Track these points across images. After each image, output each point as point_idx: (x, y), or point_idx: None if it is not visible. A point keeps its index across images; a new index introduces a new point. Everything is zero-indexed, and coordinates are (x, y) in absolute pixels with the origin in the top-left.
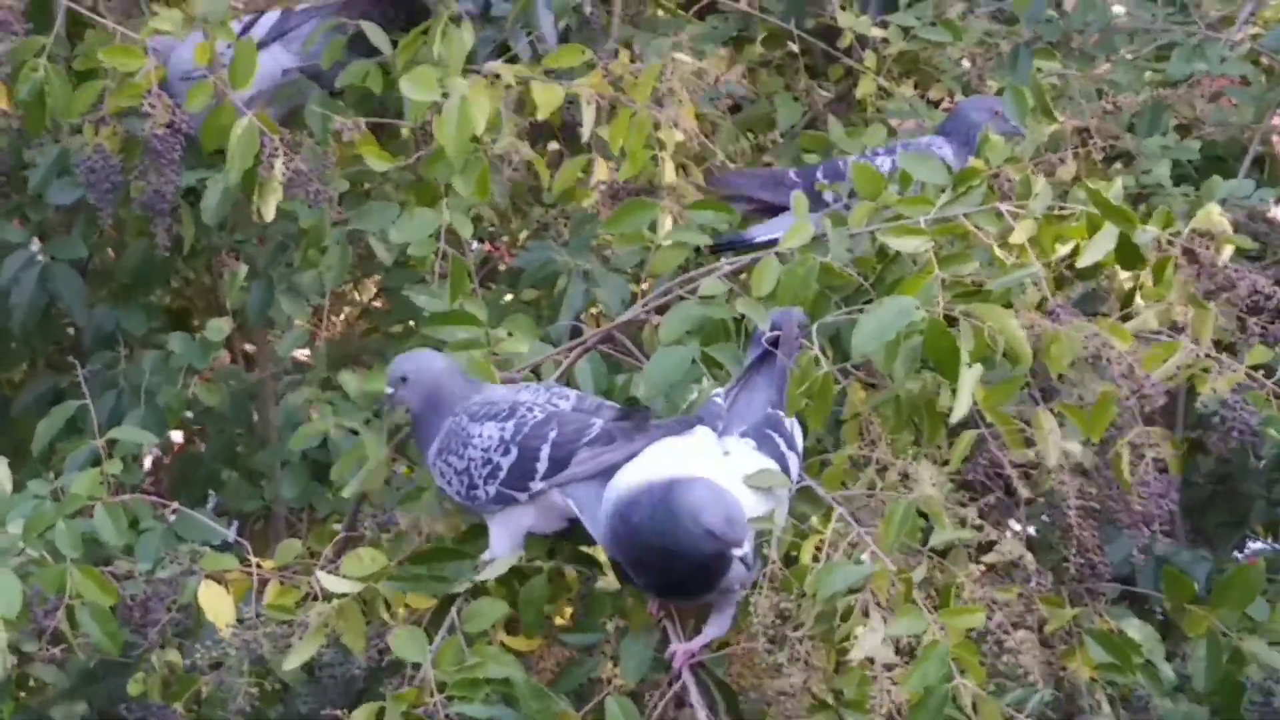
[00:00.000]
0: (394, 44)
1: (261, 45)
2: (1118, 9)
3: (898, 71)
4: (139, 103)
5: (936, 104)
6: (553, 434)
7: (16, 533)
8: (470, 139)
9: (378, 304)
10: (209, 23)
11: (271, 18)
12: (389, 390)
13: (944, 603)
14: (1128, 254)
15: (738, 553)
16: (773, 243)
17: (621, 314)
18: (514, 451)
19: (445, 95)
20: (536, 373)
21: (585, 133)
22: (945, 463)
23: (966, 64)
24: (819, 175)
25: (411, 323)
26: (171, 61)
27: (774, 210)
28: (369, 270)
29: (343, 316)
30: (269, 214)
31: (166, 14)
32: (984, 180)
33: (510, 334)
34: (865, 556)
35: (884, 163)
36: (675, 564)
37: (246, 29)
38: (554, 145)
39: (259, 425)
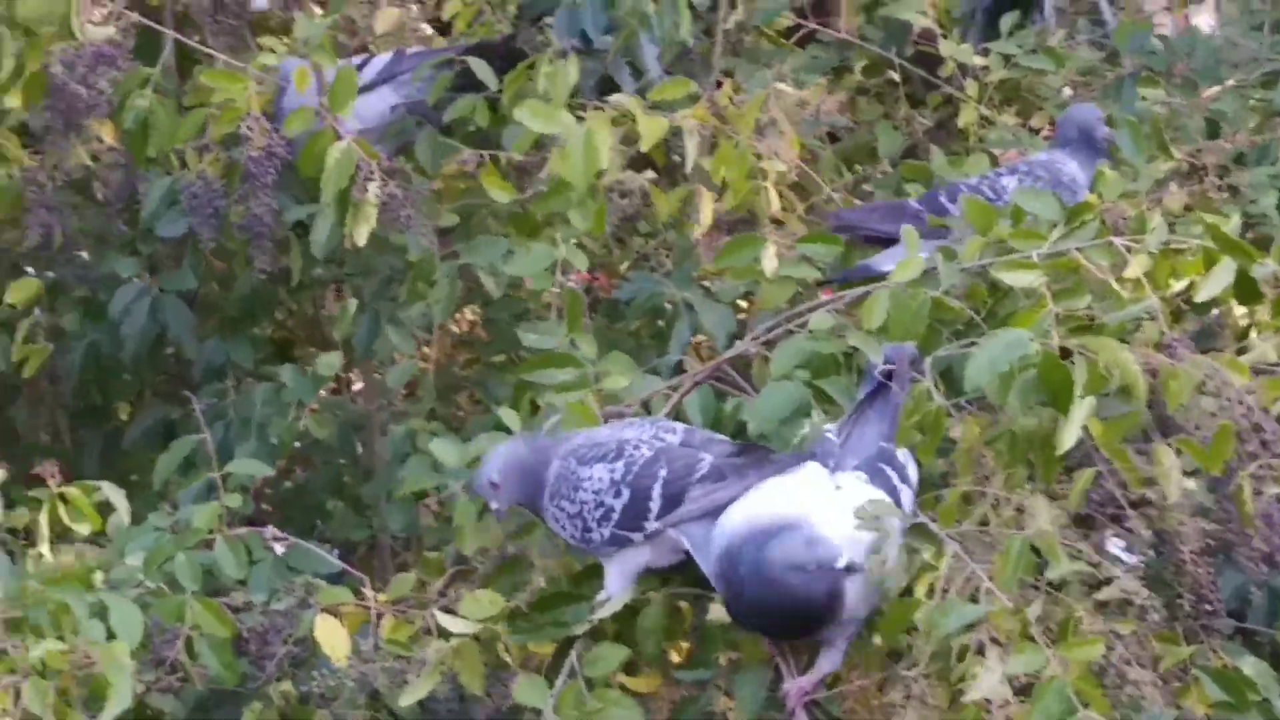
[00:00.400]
0: (500, 80)
1: (371, 86)
2: (1217, 34)
3: (999, 99)
4: (239, 127)
5: (1038, 132)
6: (663, 472)
7: (136, 565)
8: (594, 172)
9: (479, 334)
10: (308, 46)
11: (383, 60)
12: (494, 506)
13: (1061, 636)
14: (1246, 288)
15: (829, 587)
16: (885, 275)
17: (727, 346)
18: (625, 493)
19: (567, 127)
20: (646, 407)
21: (688, 163)
22: (1060, 497)
23: (1068, 91)
24: (942, 200)
25: (513, 353)
26: (288, 92)
27: (891, 242)
28: (473, 302)
29: (442, 346)
30: (361, 239)
31: (275, 46)
32: (1097, 214)
33: (612, 371)
34: (981, 594)
35: (1009, 183)
36: (778, 614)
37: (359, 69)
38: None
39: (364, 456)
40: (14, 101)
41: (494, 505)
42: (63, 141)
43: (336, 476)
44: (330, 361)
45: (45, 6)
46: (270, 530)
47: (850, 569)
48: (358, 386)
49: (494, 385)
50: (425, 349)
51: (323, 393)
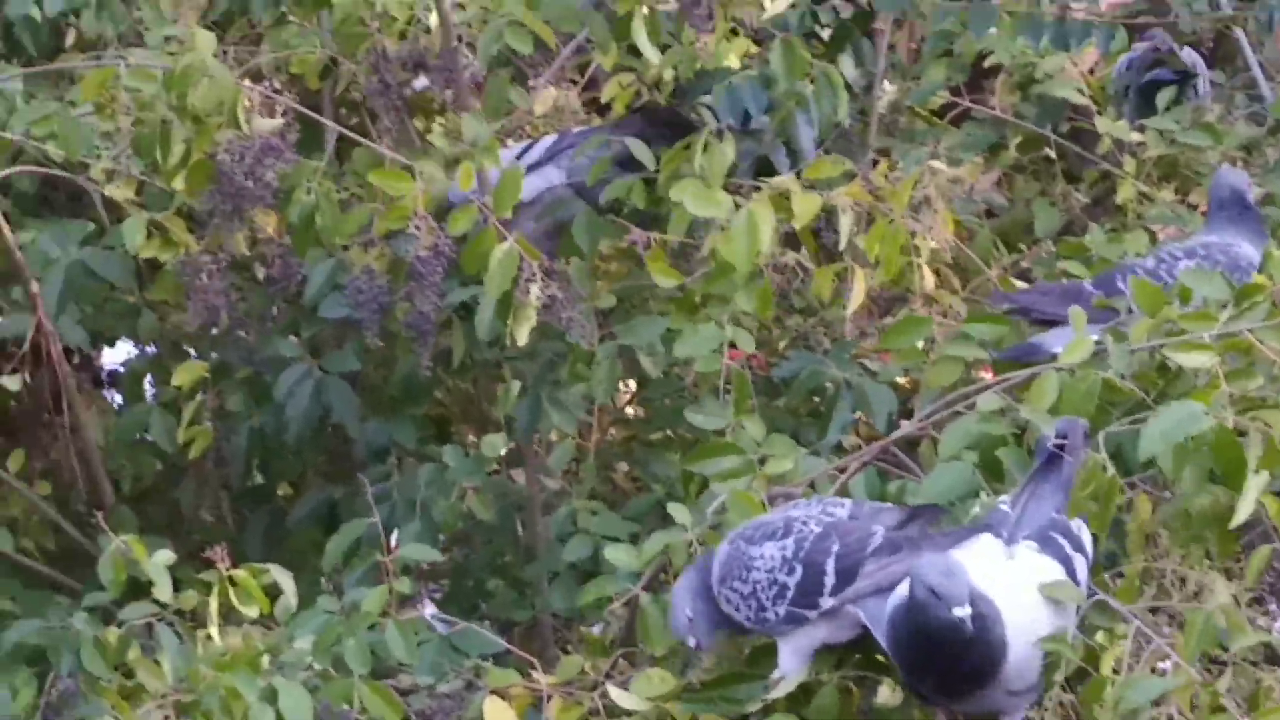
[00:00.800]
0: (657, 159)
1: (536, 166)
2: None
3: (1157, 175)
4: (405, 225)
5: (1196, 208)
6: (835, 547)
7: (305, 648)
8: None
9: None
10: (475, 147)
11: (548, 140)
12: (694, 643)
13: (1254, 706)
14: None
15: (959, 613)
16: (1053, 356)
17: (887, 426)
18: (799, 569)
19: (728, 210)
20: (812, 488)
21: (842, 241)
22: (1236, 576)
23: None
24: (1119, 283)
25: (671, 431)
26: (452, 188)
27: (1056, 323)
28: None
29: (602, 426)
30: (522, 339)
31: (438, 140)
32: (1268, 296)
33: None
34: (1166, 667)
35: (1186, 265)
36: (938, 660)
37: (525, 151)
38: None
39: (525, 535)
40: (179, 185)
41: (694, 642)
42: (227, 228)
43: (497, 556)
44: (494, 443)
45: (214, 96)
46: (432, 610)
47: (996, 615)
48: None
49: (653, 464)
50: (586, 430)
51: None
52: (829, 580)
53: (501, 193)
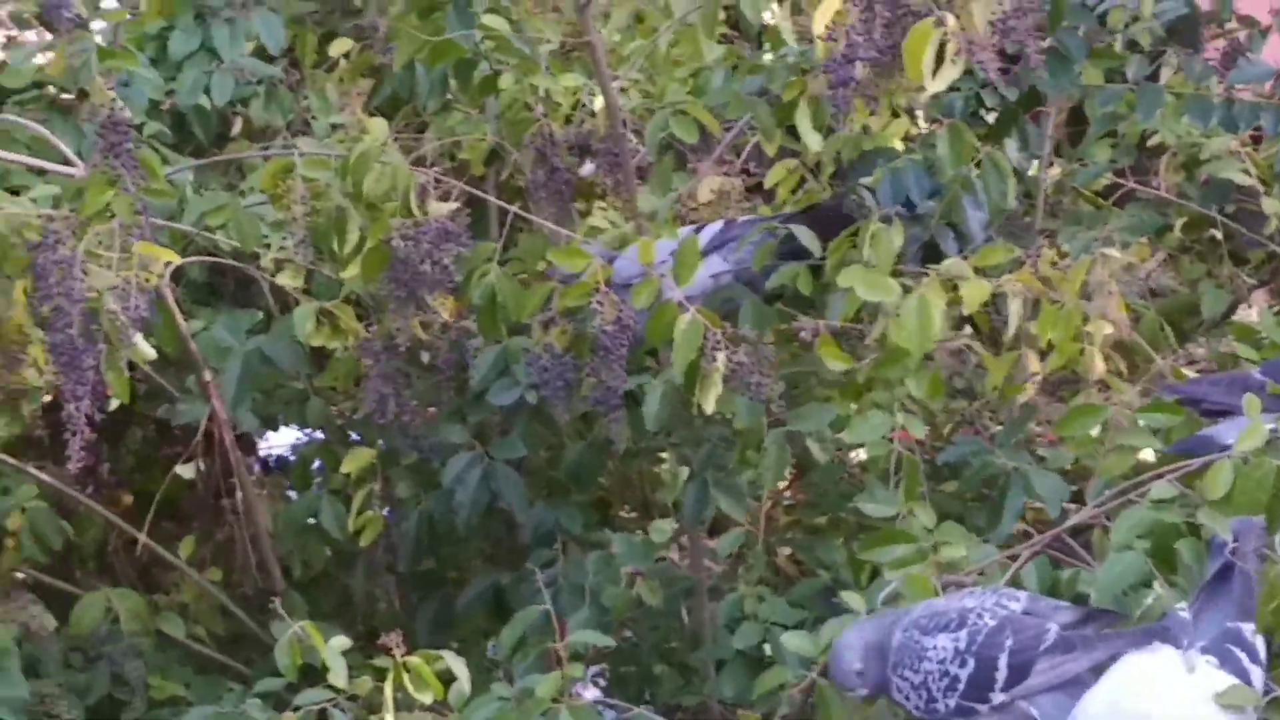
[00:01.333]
0: (823, 247)
1: (702, 254)
2: None
3: None
4: (586, 302)
5: None
6: (1009, 641)
7: None
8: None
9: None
10: (653, 221)
11: (714, 228)
12: (861, 692)
13: None
14: None
15: None
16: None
17: (1058, 514)
18: (970, 663)
19: (899, 295)
20: (982, 575)
21: (1010, 328)
22: None
23: None
24: None
25: (836, 515)
26: (618, 263)
27: (1229, 412)
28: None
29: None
30: (709, 407)
31: (603, 216)
32: None
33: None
34: None
35: None
36: None
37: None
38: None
39: (691, 620)
40: (351, 273)
41: (864, 692)
42: (403, 314)
43: (663, 640)
44: (663, 529)
45: (388, 183)
46: (594, 694)
47: None
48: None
49: (818, 548)
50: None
51: None
52: (1001, 675)
53: (682, 263)
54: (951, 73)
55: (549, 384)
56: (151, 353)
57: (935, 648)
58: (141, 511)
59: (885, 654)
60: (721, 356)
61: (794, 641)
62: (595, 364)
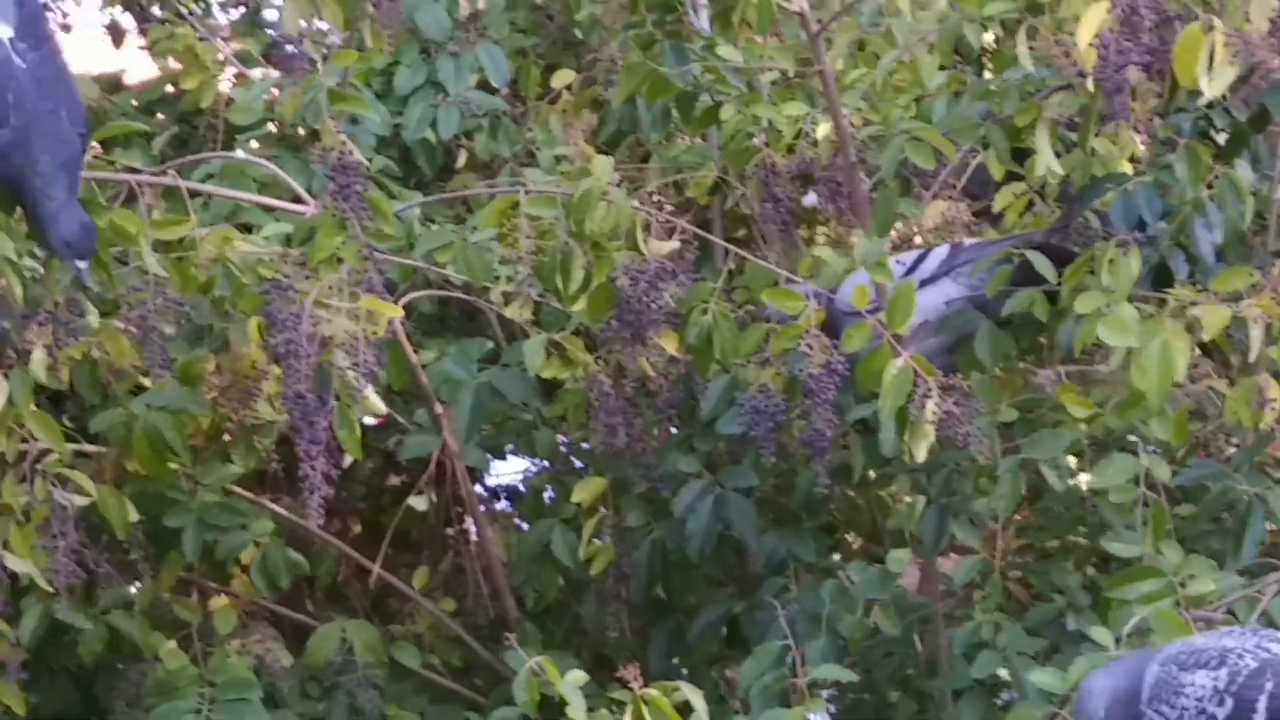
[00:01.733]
0: (1059, 272)
1: (931, 280)
2: None
3: None
4: (797, 344)
5: None
6: (1270, 685)
7: None
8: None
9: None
10: (867, 265)
11: (942, 252)
12: None
13: None
14: None
15: None
16: None
17: None
18: (1229, 702)
19: (1141, 338)
20: (1232, 612)
21: (1252, 354)
22: None
23: None
24: None
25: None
26: (835, 300)
27: None
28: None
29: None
30: (920, 455)
31: (825, 249)
32: None
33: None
34: None
35: None
36: None
37: (917, 263)
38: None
39: (925, 648)
40: (578, 307)
41: None
42: (629, 350)
43: (899, 669)
44: (900, 558)
45: (612, 221)
46: None
47: None
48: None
49: (1051, 573)
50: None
51: None
52: (1259, 718)
53: (895, 309)
54: (1228, 75)
55: (758, 424)
56: (382, 407)
57: (1193, 685)
58: (370, 542)
59: (1133, 700)
60: (930, 404)
61: (1041, 678)
62: (805, 406)
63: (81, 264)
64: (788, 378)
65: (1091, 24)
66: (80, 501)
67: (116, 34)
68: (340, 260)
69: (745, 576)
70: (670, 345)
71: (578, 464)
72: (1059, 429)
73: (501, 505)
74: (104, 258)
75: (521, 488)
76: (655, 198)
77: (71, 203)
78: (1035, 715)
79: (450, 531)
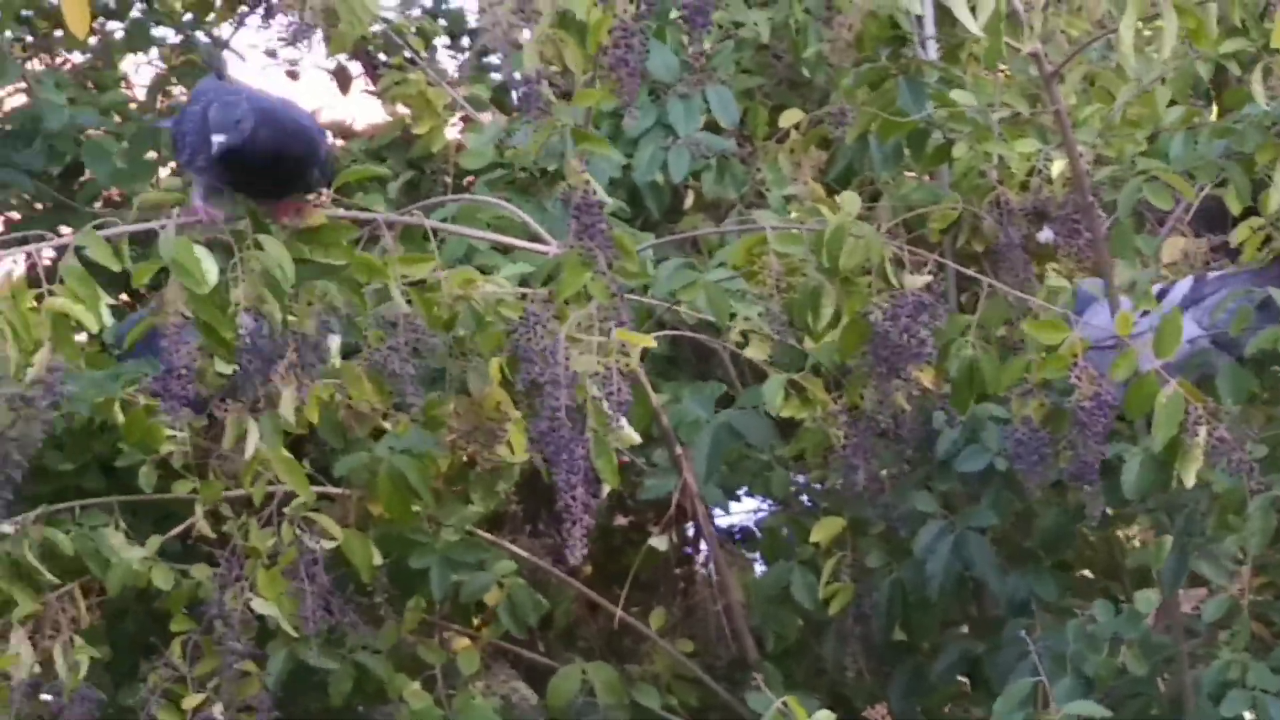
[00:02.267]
0: None
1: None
2: None
3: None
4: (1063, 375)
5: None
6: None
7: None
8: None
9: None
10: (1133, 292)
11: (1185, 285)
12: None
13: None
14: None
15: None
16: None
17: None
18: None
19: None
20: None
21: None
22: None
23: None
24: None
25: None
26: (1088, 330)
27: None
28: None
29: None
30: (1189, 481)
31: (1060, 281)
32: None
33: None
34: None
35: None
36: None
37: (1159, 296)
38: None
39: (1168, 687)
40: (826, 345)
41: None
42: (884, 386)
43: (1144, 710)
44: (1149, 598)
45: (861, 256)
46: None
47: None
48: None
49: None
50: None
51: None
52: None
53: (1163, 337)
54: None
55: (1023, 456)
56: (637, 437)
57: None
58: (601, 583)
59: None
60: (1203, 431)
61: None
62: (1072, 437)
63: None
64: (1050, 409)
65: None
66: (327, 545)
67: (343, 80)
68: (589, 297)
69: (983, 617)
70: (927, 380)
71: (809, 503)
72: None
73: (735, 547)
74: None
75: (755, 528)
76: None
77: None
78: None
79: (682, 573)
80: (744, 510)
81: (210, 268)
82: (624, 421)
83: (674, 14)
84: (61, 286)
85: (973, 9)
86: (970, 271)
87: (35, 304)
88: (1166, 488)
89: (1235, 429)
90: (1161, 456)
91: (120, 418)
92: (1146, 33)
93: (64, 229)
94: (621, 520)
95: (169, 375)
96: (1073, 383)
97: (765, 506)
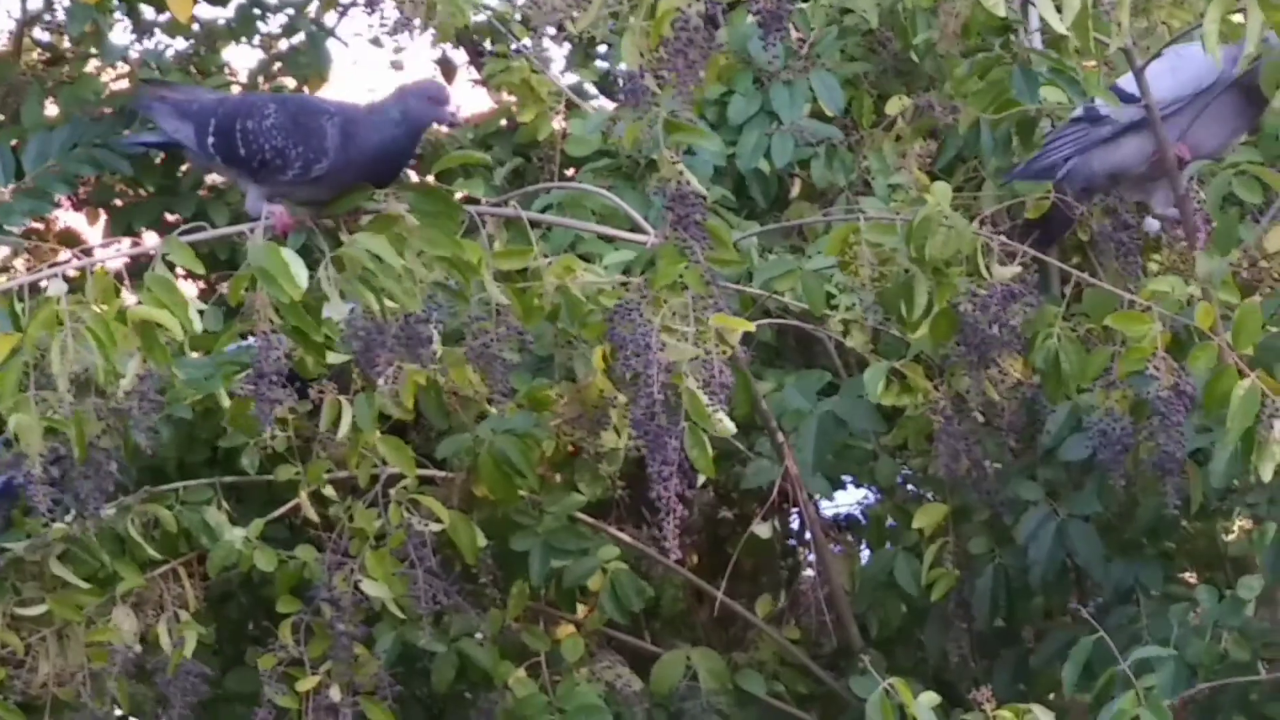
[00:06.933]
0: None
1: None
2: None
3: None
4: (1145, 366)
5: None
6: None
7: None
8: None
9: None
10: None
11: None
12: None
13: None
14: None
15: None
16: None
17: None
18: None
19: None
20: None
21: None
22: None
23: None
24: None
25: None
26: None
27: None
28: None
29: None
30: (1266, 475)
31: (1165, 279)
32: None
33: None
34: None
35: None
36: None
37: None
38: None
39: (1270, 673)
40: (920, 334)
41: None
42: (974, 375)
43: (1245, 693)
44: (1251, 585)
45: (953, 247)
46: None
47: None
48: None
49: None
50: None
51: None
52: None
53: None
54: None
55: (1107, 447)
56: (733, 427)
57: None
58: (708, 572)
59: None
60: (1278, 425)
61: None
62: (1154, 428)
63: (449, 109)
64: (1134, 400)
65: None
66: (434, 528)
67: (448, 70)
68: (685, 287)
69: (1085, 603)
70: (1016, 369)
71: (915, 491)
72: None
73: (840, 534)
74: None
75: (860, 516)
76: (990, 223)
77: (404, 96)
78: None
79: (786, 560)
80: (850, 500)
81: (300, 272)
82: (722, 412)
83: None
84: (148, 294)
85: (1058, 7)
86: (1062, 265)
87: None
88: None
89: None
90: (1242, 449)
91: (225, 402)
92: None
93: (169, 215)
94: (728, 513)
95: (260, 380)
96: (1151, 373)
97: (871, 495)
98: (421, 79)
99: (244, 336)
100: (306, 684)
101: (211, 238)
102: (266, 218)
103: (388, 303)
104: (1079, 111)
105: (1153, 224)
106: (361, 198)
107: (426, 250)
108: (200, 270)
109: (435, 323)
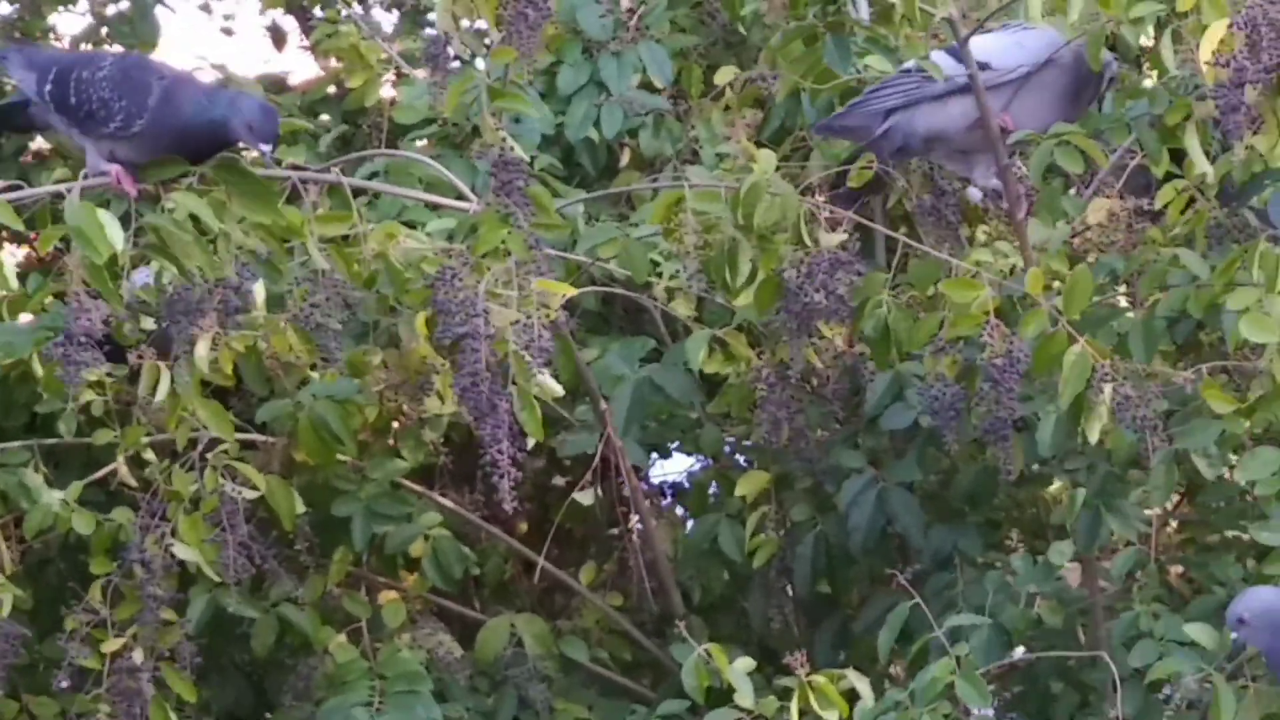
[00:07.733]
0: (1211, 268)
1: None
2: None
3: None
4: (976, 332)
5: None
6: None
7: None
8: None
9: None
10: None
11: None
12: (1233, 635)
13: None
14: None
15: None
16: None
17: None
18: None
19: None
20: None
21: None
22: None
23: None
24: None
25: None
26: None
27: None
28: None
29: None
30: (1093, 436)
31: (987, 249)
32: None
33: None
34: None
35: None
36: None
37: None
38: None
39: (1086, 640)
40: (744, 303)
41: (1234, 643)
42: (795, 343)
43: (1061, 660)
44: (1062, 550)
45: (777, 214)
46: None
47: None
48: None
49: (1211, 565)
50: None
51: None
52: None
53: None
54: None
55: (940, 412)
56: (559, 389)
57: None
58: (535, 540)
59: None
60: (1109, 389)
61: (1197, 632)
62: (985, 393)
63: (266, 147)
64: (963, 366)
65: (1211, 43)
66: (249, 495)
67: (278, 37)
68: (508, 252)
69: (911, 570)
70: (841, 337)
71: (741, 460)
72: (1215, 420)
73: (666, 502)
74: (278, 258)
75: (686, 484)
76: (815, 193)
77: (241, 96)
78: (1184, 667)
79: (615, 529)
80: (679, 468)
81: (115, 234)
82: (546, 373)
83: None
84: None
85: None
86: (889, 232)
87: None
88: (1081, 447)
89: (1140, 387)
90: (1070, 413)
91: (39, 369)
92: None
93: None
94: (559, 480)
95: (68, 341)
96: (984, 340)
97: (699, 463)
98: (269, 107)
99: (58, 297)
100: (110, 645)
101: (31, 196)
102: (103, 175)
103: (193, 269)
104: (911, 64)
105: (974, 193)
106: (177, 169)
107: (247, 217)
108: (20, 228)
109: (247, 290)
